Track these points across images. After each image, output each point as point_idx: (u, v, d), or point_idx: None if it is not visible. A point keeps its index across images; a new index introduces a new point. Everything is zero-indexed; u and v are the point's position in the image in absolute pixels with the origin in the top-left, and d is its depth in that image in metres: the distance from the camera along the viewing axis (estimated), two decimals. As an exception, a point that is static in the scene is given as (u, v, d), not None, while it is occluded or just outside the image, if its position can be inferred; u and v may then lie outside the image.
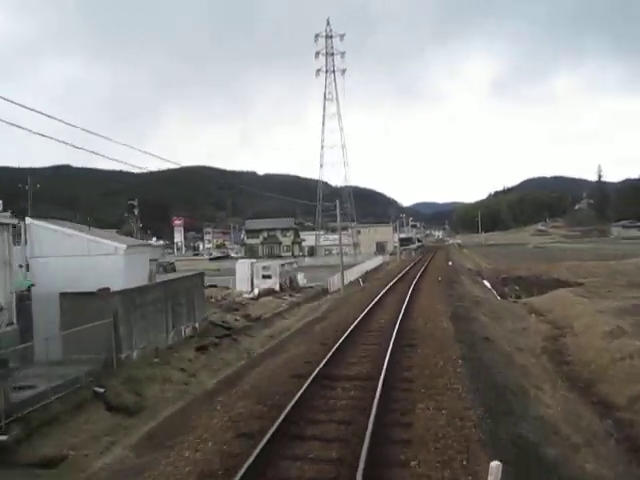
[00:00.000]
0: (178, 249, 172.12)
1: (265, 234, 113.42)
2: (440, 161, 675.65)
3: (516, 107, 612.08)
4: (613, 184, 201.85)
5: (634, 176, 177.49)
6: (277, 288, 37.21)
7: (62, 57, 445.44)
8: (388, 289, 31.21)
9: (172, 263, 74.30)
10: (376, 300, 25.91)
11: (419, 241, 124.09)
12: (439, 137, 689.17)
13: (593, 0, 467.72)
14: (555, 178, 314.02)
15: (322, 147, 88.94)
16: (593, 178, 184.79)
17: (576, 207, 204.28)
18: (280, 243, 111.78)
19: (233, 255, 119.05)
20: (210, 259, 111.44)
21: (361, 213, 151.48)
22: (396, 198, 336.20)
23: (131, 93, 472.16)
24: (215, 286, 43.74)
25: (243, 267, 38.41)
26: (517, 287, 37.47)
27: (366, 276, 49.64)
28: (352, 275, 49.74)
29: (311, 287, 45.39)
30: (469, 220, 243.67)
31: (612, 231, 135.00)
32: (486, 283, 46.81)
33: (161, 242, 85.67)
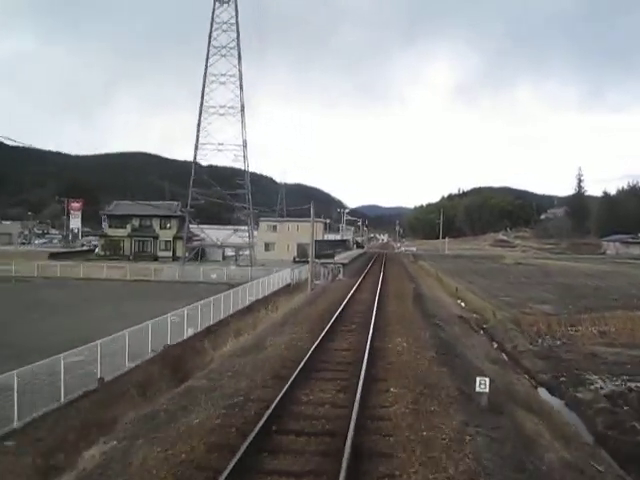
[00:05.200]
0: (74, 236, 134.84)
1: (135, 223, 76.37)
2: (389, 165, 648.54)
3: (468, 118, 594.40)
4: (564, 198, 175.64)
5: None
6: None
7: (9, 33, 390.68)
8: None
9: None
10: None
11: (359, 246, 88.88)
12: (390, 141, 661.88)
13: (563, 14, 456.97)
14: (502, 189, 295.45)
15: (205, 83, 52.17)
16: (540, 192, 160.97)
17: (542, 217, 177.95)
18: (157, 237, 75.13)
19: (98, 251, 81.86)
20: (51, 255, 73.62)
21: (306, 213, 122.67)
22: (342, 199, 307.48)
23: (82, 75, 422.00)
24: None
25: None
26: None
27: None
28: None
29: None
30: (420, 225, 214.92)
31: (605, 247, 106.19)
32: None
33: None
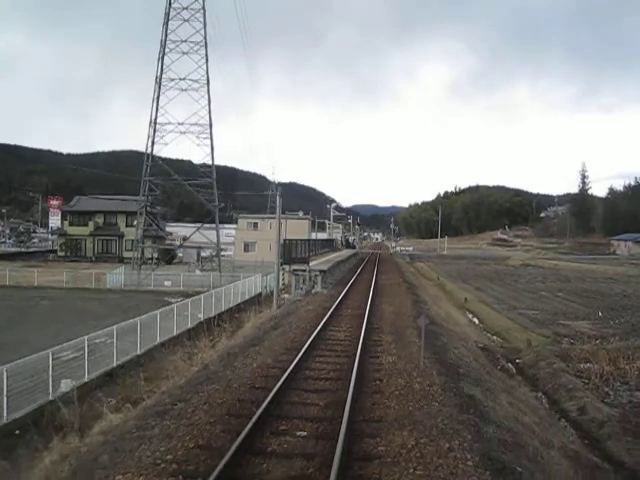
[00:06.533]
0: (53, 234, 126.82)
1: (99, 220, 68.09)
2: (385, 164, 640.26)
3: (465, 117, 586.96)
4: (565, 196, 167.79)
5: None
6: None
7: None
8: None
9: None
10: None
11: (349, 245, 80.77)
12: (386, 140, 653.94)
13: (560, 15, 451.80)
14: (497, 188, 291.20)
15: (164, 51, 42.84)
16: (535, 191, 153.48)
17: (542, 215, 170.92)
18: (122, 236, 66.90)
19: (61, 253, 73.39)
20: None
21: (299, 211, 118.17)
22: (336, 198, 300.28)
23: (74, 72, 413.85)
24: None
25: None
26: None
27: None
28: None
29: None
30: (415, 223, 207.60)
31: (615, 246, 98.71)
32: None
33: None
